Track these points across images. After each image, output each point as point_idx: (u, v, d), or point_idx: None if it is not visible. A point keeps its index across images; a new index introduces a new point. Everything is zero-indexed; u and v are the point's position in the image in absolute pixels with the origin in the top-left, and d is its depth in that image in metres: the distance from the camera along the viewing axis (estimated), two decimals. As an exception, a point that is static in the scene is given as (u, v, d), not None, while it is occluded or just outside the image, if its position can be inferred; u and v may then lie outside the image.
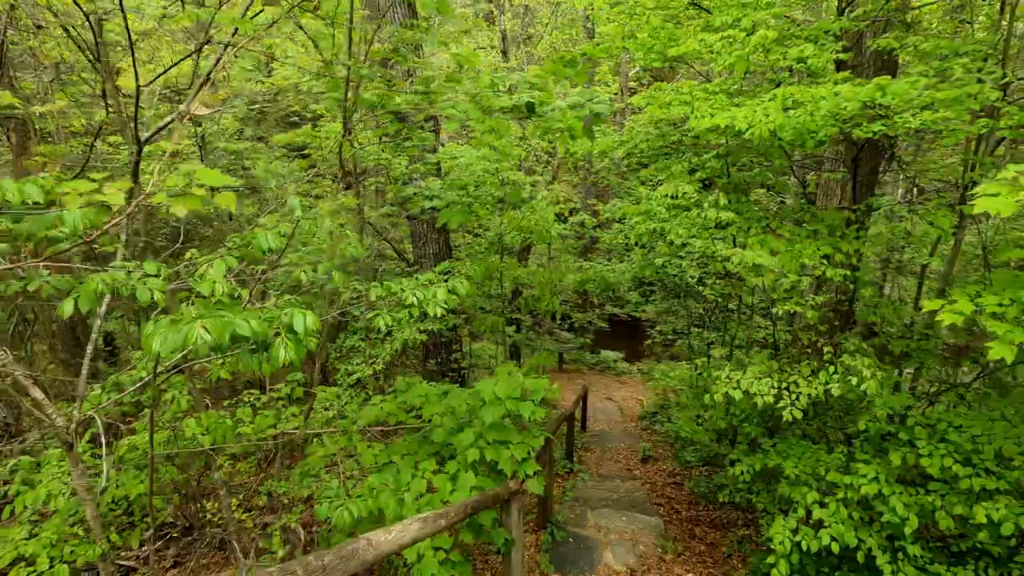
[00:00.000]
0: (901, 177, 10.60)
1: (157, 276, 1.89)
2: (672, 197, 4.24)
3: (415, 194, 4.99)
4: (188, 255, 2.33)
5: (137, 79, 2.65)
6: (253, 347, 1.72)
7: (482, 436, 3.80)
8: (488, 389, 3.70)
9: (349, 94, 3.84)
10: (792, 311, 3.95)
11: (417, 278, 2.95)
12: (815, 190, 6.61)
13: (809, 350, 4.24)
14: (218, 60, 2.66)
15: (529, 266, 9.71)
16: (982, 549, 3.64)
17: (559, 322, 17.33)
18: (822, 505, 3.78)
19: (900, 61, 6.18)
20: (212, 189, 1.82)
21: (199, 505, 4.96)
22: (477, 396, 3.82)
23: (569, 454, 8.87)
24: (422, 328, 6.13)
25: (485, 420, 3.63)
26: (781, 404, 3.71)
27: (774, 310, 3.99)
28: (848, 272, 3.97)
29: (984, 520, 3.26)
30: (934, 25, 7.61)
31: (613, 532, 5.89)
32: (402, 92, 4.32)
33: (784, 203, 11.73)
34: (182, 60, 3.54)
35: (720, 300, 10.61)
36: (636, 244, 5.40)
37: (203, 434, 3.56)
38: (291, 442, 5.12)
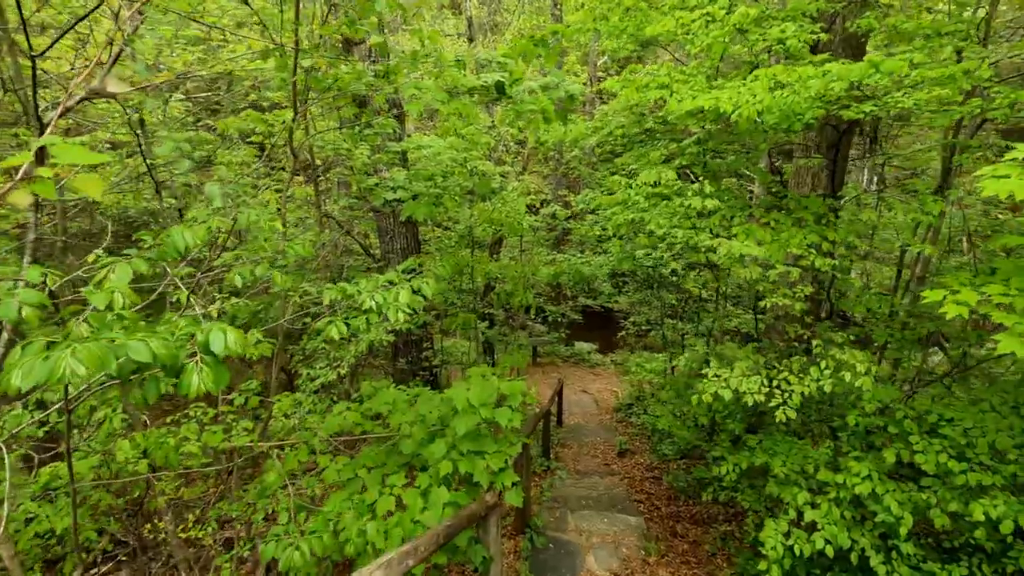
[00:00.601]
0: (868, 165, 10.66)
1: (40, 285, 1.52)
2: (653, 185, 3.99)
3: (378, 185, 4.63)
4: (91, 257, 1.96)
5: (31, 49, 2.23)
6: (160, 371, 1.38)
7: (455, 447, 3.50)
8: (461, 396, 3.40)
9: (298, 73, 3.46)
10: (776, 303, 3.76)
11: (377, 278, 2.62)
12: (789, 178, 6.48)
13: (796, 343, 4.07)
14: (116, 15, 2.26)
15: (501, 259, 9.41)
16: (975, 545, 3.53)
17: (533, 316, 17.11)
18: (813, 506, 3.61)
19: (868, 48, 6.08)
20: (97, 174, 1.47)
21: (150, 525, 4.54)
22: (449, 403, 3.51)
23: (546, 451, 8.65)
24: (389, 328, 5.77)
25: (458, 431, 3.33)
26: (773, 403, 3.51)
27: (762, 303, 3.80)
28: (836, 262, 3.80)
29: (983, 518, 3.13)
30: (896, 4, 7.57)
31: (595, 535, 5.68)
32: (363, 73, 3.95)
33: (751, 193, 11.72)
34: (80, 20, 3.09)
35: (695, 290, 10.55)
36: (614, 236, 5.16)
37: (140, 457, 3.17)
38: (248, 458, 4.74)
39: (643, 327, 14.15)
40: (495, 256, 10.92)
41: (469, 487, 3.64)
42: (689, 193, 3.78)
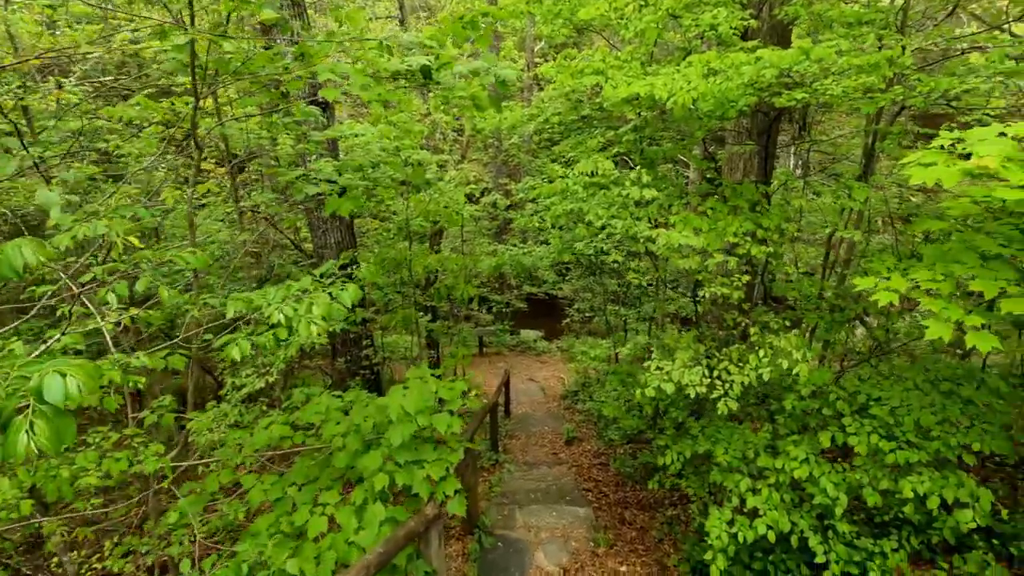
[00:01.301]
0: (795, 151, 11.07)
1: None
2: (591, 175, 3.88)
3: (300, 178, 4.28)
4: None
5: None
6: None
7: (391, 458, 3.29)
8: (395, 404, 3.18)
9: (200, 54, 3.09)
10: (717, 293, 3.75)
11: (290, 286, 2.34)
12: (723, 164, 6.58)
13: (734, 331, 4.10)
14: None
15: (442, 251, 9.14)
16: (903, 519, 3.68)
17: (477, 307, 16.94)
18: (755, 492, 3.65)
19: (793, 36, 6.21)
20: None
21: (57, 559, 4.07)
22: (384, 411, 3.29)
23: (494, 444, 8.54)
24: (321, 329, 5.42)
25: (393, 442, 3.12)
26: (715, 394, 3.51)
27: (701, 292, 3.79)
28: (770, 249, 3.82)
29: (911, 495, 3.25)
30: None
31: (543, 530, 5.62)
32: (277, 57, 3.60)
33: (688, 179, 11.97)
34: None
35: (636, 279, 10.68)
36: (553, 226, 5.05)
37: (23, 497, 2.76)
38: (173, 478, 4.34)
39: (587, 313, 14.29)
40: (436, 248, 10.63)
41: (409, 499, 3.44)
42: (627, 183, 3.69)
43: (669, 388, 3.49)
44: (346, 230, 8.32)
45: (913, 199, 5.75)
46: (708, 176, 5.54)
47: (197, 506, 3.59)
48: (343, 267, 3.39)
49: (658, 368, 3.65)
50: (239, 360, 2.20)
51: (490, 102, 3.54)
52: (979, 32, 4.83)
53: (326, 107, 7.73)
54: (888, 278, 2.70)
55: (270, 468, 4.03)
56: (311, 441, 4.08)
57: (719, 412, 3.44)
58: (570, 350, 14.66)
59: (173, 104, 3.52)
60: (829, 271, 5.87)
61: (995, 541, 3.56)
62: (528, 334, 18.55)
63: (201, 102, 4.36)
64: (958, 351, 7.15)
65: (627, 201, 3.94)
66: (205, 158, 9.32)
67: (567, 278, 15.45)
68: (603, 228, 3.77)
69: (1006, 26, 5.14)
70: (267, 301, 2.18)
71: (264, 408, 5.12)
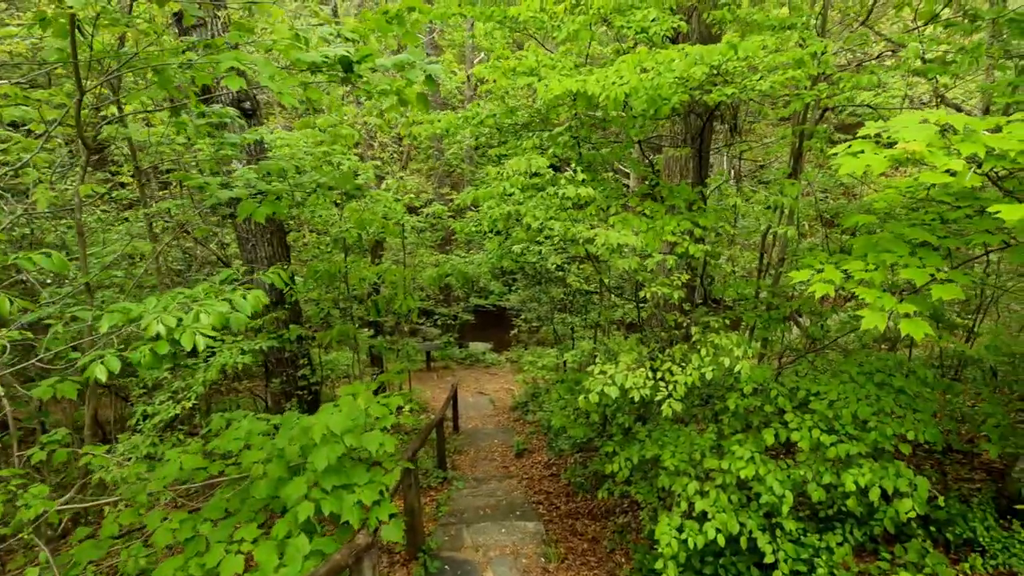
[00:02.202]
0: (728, 154, 11.45)
1: None
2: (527, 175, 3.75)
3: (210, 183, 3.91)
4: None
5: None
6: None
7: (317, 484, 3.00)
8: (320, 424, 2.89)
9: (83, 44, 2.75)
10: (656, 292, 3.69)
11: (178, 292, 2.04)
12: (660, 169, 6.65)
13: (677, 331, 4.05)
14: None
15: (383, 263, 8.82)
16: (846, 512, 3.69)
17: (423, 320, 16.56)
18: (703, 495, 3.58)
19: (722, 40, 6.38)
20: None
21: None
22: (307, 434, 2.99)
23: (441, 462, 8.23)
24: (247, 347, 5.03)
25: (317, 466, 2.83)
26: (659, 396, 3.42)
27: (641, 293, 3.72)
28: (708, 248, 3.80)
29: (853, 487, 3.25)
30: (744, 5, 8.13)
31: (492, 548, 5.38)
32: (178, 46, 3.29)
33: (627, 187, 12.16)
34: None
35: (577, 284, 10.71)
36: (491, 231, 4.89)
37: None
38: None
39: (534, 323, 14.23)
40: (377, 260, 10.26)
41: (340, 528, 3.14)
42: (562, 181, 3.59)
43: (613, 392, 3.37)
44: (278, 243, 7.87)
45: (835, 202, 5.99)
46: (648, 180, 5.56)
47: (94, 553, 3.15)
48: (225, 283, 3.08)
49: (601, 372, 3.53)
50: (103, 379, 1.89)
51: (417, 99, 3.36)
52: (889, 37, 5.10)
53: (252, 114, 7.31)
54: (822, 270, 2.69)
55: (184, 504, 3.62)
56: (231, 471, 3.70)
57: (664, 414, 3.35)
58: (519, 361, 14.48)
59: (38, 95, 3.09)
60: (764, 272, 6.01)
61: (932, 528, 3.64)
62: (477, 347, 18.29)
63: (104, 109, 3.97)
64: (883, 345, 7.48)
65: (564, 203, 3.83)
66: (120, 165, 8.63)
67: (513, 288, 15.36)
68: (541, 230, 3.63)
69: (916, 32, 5.43)
70: (145, 310, 1.88)
71: (180, 437, 4.66)
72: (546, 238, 4.36)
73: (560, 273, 11.94)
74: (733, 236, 7.86)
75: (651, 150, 8.73)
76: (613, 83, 3.14)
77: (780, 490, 3.40)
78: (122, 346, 2.02)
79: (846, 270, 2.61)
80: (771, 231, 4.89)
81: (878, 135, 2.43)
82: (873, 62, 5.11)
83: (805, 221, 7.62)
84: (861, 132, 2.42)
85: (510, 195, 4.18)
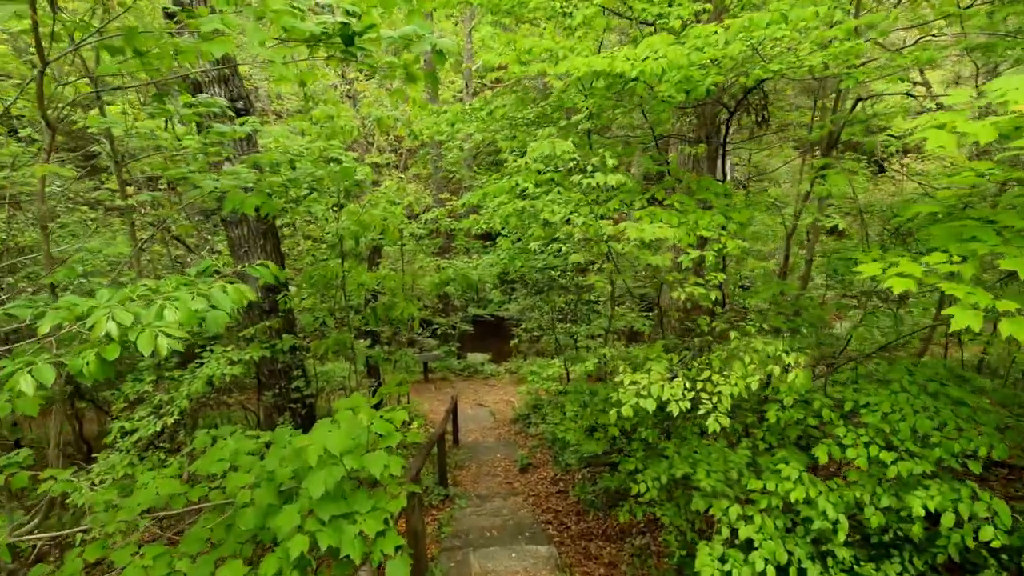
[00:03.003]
0: (728, 162, 11.17)
1: None
2: (545, 165, 3.40)
3: (191, 174, 3.52)
4: None
5: None
6: None
7: (313, 512, 2.60)
8: (316, 444, 2.50)
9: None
10: (693, 294, 3.32)
11: (137, 286, 1.66)
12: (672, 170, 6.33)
13: (709, 337, 3.69)
14: None
15: (381, 270, 8.43)
16: (903, 537, 3.31)
17: (421, 330, 16.14)
18: (746, 520, 3.19)
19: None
20: None
21: None
22: (301, 456, 2.59)
23: (443, 478, 7.80)
24: (237, 357, 4.63)
25: (313, 493, 2.44)
26: (702, 410, 3.04)
27: (675, 294, 3.35)
28: (746, 244, 3.46)
29: (921, 512, 2.87)
30: None
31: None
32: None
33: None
34: None
35: (604, 285, 10.32)
36: (502, 231, 4.52)
37: None
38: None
39: (535, 333, 13.88)
40: (374, 268, 9.88)
41: (338, 564, 2.74)
42: (589, 168, 3.24)
43: (650, 405, 2.99)
44: (272, 249, 7.47)
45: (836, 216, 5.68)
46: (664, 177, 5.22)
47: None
48: (271, 289, 2.71)
49: (633, 383, 3.15)
50: (30, 392, 1.50)
51: (426, 76, 3.01)
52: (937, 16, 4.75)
53: (245, 113, 6.96)
54: (896, 263, 2.33)
55: (160, 536, 3.20)
56: (215, 495, 3.30)
57: (710, 430, 2.97)
58: (519, 372, 14.02)
59: None
60: (786, 275, 5.67)
61: (1004, 556, 3.27)
62: (475, 357, 17.87)
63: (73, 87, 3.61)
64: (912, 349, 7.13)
65: (589, 195, 3.47)
66: (109, 172, 8.25)
67: (513, 297, 15.01)
68: (564, 223, 3.27)
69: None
70: (93, 306, 1.49)
71: (162, 456, 4.24)
72: (566, 236, 3.99)
73: (563, 280, 11.61)
74: (746, 243, 7.53)
75: (659, 150, 8.43)
76: (647, 58, 2.80)
77: (834, 514, 3.02)
78: (65, 351, 1.64)
79: (927, 264, 2.26)
80: (795, 227, 4.54)
81: (940, 106, 2.09)
82: (929, 37, 4.78)
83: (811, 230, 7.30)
84: (950, 100, 2.08)
85: (523, 192, 3.82)
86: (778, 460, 3.33)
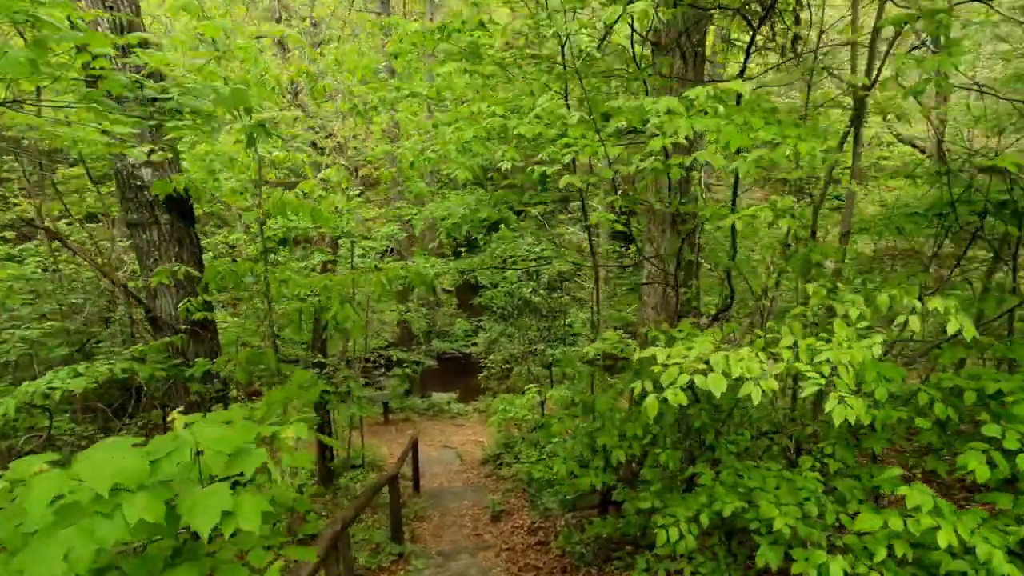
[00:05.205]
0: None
1: None
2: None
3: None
4: None
5: None
6: None
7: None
8: (50, 483, 1.20)
9: None
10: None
11: None
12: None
13: (764, 301, 2.56)
14: None
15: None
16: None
17: (380, 371, 14.70)
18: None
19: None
20: None
21: None
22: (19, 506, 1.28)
23: (396, 533, 6.35)
24: (86, 369, 3.25)
25: None
26: (806, 389, 1.84)
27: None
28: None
29: None
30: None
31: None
32: None
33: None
34: None
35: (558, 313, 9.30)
36: (460, 153, 3.32)
37: None
38: None
39: (504, 365, 12.80)
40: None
41: None
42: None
43: (716, 385, 1.76)
44: (189, 256, 6.06)
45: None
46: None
47: None
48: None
49: (681, 357, 1.92)
50: None
51: None
52: None
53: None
54: None
55: None
56: None
57: (836, 422, 1.77)
58: (488, 411, 12.72)
59: None
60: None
61: None
62: (441, 396, 16.49)
63: None
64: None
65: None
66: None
67: (480, 325, 13.92)
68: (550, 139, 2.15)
69: None
70: None
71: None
72: (549, 156, 2.82)
73: (537, 298, 10.52)
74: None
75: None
76: None
77: (1002, 565, 1.85)
78: None
79: None
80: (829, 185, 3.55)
81: None
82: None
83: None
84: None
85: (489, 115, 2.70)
86: (886, 481, 2.16)
